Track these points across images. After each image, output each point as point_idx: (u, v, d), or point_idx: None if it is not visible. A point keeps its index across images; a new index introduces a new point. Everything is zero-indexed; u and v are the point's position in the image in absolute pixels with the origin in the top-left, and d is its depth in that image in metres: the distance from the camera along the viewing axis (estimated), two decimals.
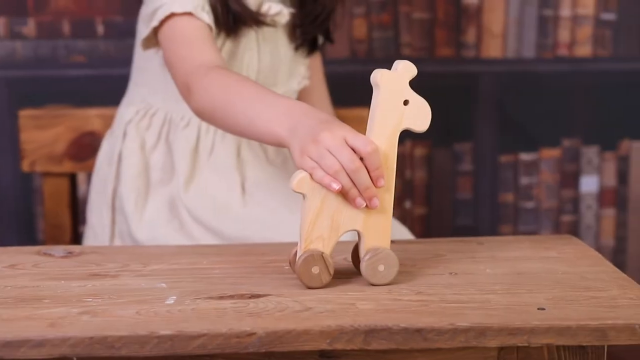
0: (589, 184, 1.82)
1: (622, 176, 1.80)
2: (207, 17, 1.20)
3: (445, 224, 1.80)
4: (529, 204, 1.82)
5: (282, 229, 1.22)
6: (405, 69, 0.92)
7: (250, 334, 0.82)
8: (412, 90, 0.92)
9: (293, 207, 1.25)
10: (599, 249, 1.84)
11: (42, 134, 1.43)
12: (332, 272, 0.93)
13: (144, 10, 1.24)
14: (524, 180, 1.81)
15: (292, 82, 1.35)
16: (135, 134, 1.31)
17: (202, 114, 1.14)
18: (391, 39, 1.75)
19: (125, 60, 1.53)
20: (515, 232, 1.80)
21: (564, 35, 1.78)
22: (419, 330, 0.83)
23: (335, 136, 0.92)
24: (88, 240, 1.35)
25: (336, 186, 0.91)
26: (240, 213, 1.26)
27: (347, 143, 0.92)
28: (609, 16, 1.78)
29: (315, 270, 0.92)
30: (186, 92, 1.15)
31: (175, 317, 0.85)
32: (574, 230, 1.83)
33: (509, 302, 0.88)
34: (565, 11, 1.77)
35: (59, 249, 1.06)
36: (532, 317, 0.84)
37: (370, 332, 0.83)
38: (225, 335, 0.82)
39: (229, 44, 1.27)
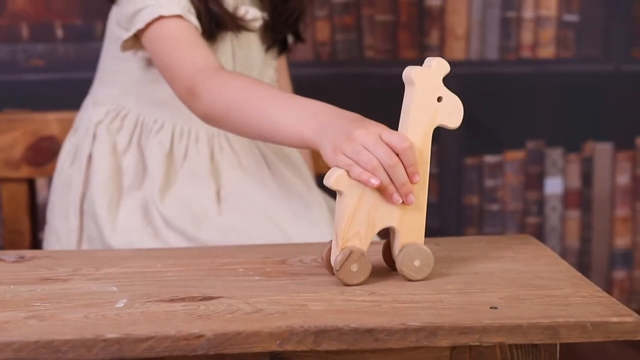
0: (553, 185, 1.82)
1: (587, 178, 1.81)
2: (194, 20, 1.18)
3: None
4: (494, 206, 1.82)
5: (261, 237, 1.22)
6: (439, 66, 0.92)
7: (199, 336, 0.81)
8: (445, 87, 0.93)
9: (272, 215, 1.24)
10: (564, 250, 1.84)
11: (2, 138, 1.41)
12: (369, 268, 0.92)
13: (121, 11, 1.21)
14: (489, 183, 1.81)
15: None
16: (106, 136, 1.27)
17: (212, 117, 1.10)
18: (354, 41, 1.75)
19: (86, 64, 1.51)
20: (480, 234, 1.80)
21: (527, 37, 1.78)
22: (369, 331, 0.82)
23: (370, 133, 0.92)
24: (49, 244, 1.32)
25: (375, 182, 0.91)
26: (217, 221, 1.24)
27: (382, 140, 0.92)
28: (572, 17, 1.78)
29: (354, 268, 0.92)
30: (189, 95, 1.12)
31: (124, 321, 0.84)
32: (539, 232, 1.83)
33: (461, 302, 0.88)
34: (527, 13, 1.78)
35: (11, 254, 1.05)
36: (484, 316, 0.84)
37: (321, 333, 0.82)
38: (173, 338, 0.81)
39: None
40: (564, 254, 1.83)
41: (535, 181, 1.82)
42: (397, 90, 1.73)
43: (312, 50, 1.74)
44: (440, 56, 1.76)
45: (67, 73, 1.69)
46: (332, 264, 0.93)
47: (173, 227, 1.23)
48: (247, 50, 1.30)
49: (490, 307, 0.86)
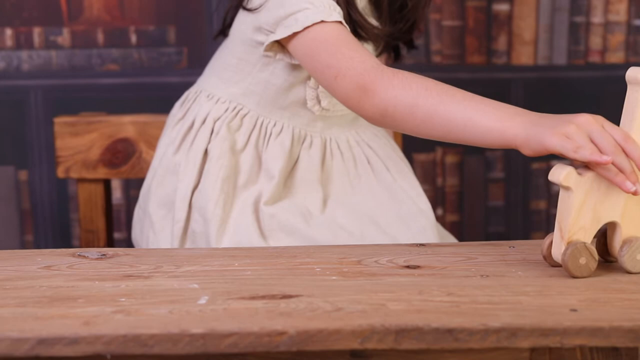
0: None
1: None
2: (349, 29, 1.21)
3: (478, 231, 1.79)
4: None
5: (370, 241, 1.24)
6: None
7: (282, 333, 0.83)
8: None
9: (379, 220, 1.26)
10: None
11: (77, 140, 1.44)
12: (596, 262, 0.95)
13: (264, 16, 1.22)
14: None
15: None
16: (227, 134, 1.28)
17: (388, 114, 1.10)
18: (422, 46, 1.76)
19: (158, 69, 1.54)
20: None
21: (595, 41, 1.77)
22: (450, 331, 0.83)
23: (596, 120, 0.96)
24: (141, 227, 1.33)
25: (607, 158, 0.93)
26: (326, 220, 1.26)
27: (605, 129, 0.95)
28: None
29: (582, 261, 0.95)
30: (360, 92, 1.12)
31: (207, 316, 0.85)
32: None
33: (540, 304, 0.88)
34: (596, 18, 1.77)
35: (93, 251, 1.07)
36: (564, 318, 0.84)
37: (401, 332, 0.83)
38: (256, 334, 0.82)
39: None
40: None
41: None
42: None
43: None
44: (508, 61, 1.77)
45: (140, 77, 1.72)
46: (556, 257, 0.97)
47: (283, 227, 1.25)
48: None
49: (570, 310, 0.86)
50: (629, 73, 0.96)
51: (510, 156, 1.79)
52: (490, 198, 1.80)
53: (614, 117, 0.97)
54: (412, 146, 1.75)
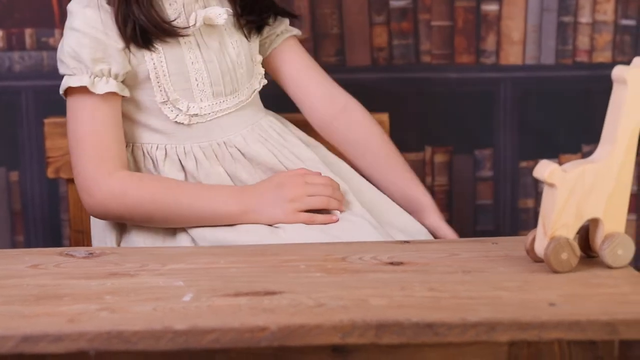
0: None
1: None
2: (106, 85, 1.22)
3: (466, 229, 1.80)
4: None
5: None
6: None
7: (263, 329, 0.84)
8: None
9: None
10: None
11: (67, 141, 1.45)
12: (578, 257, 0.97)
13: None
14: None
15: (253, 81, 1.33)
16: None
17: (109, 213, 1.24)
18: (411, 46, 1.77)
19: None
20: None
21: (583, 41, 1.78)
22: (430, 325, 0.84)
23: (299, 180, 1.23)
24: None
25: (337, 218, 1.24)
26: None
27: (308, 182, 1.22)
28: (629, 22, 1.78)
29: (564, 256, 0.96)
30: (82, 191, 1.24)
31: (191, 313, 0.87)
32: None
33: (520, 299, 0.89)
34: (584, 18, 1.78)
35: (80, 250, 1.08)
36: (542, 312, 0.85)
37: (382, 327, 0.84)
38: (238, 330, 0.84)
39: (172, 61, 1.25)
40: None
41: None
42: (453, 95, 1.74)
43: (369, 55, 1.76)
44: (496, 61, 1.78)
45: None
46: (539, 252, 0.98)
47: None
48: (220, 49, 1.28)
49: (549, 304, 0.87)
50: (615, 72, 0.97)
51: (499, 155, 1.80)
52: (479, 197, 1.81)
53: (601, 116, 0.99)
54: (401, 146, 1.76)
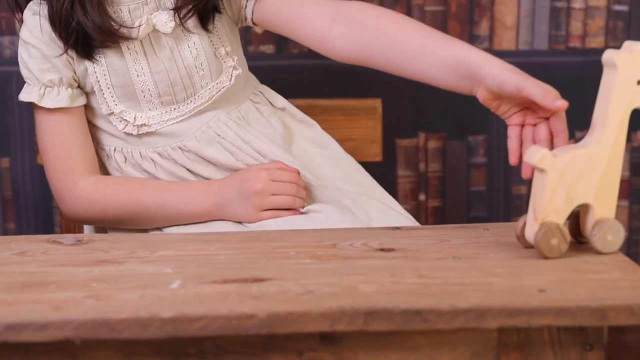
0: None
1: (635, 167, 1.80)
2: (57, 97, 1.21)
3: (459, 215, 1.80)
4: None
5: None
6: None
7: (251, 316, 0.83)
8: None
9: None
10: None
11: None
12: (568, 241, 0.96)
13: None
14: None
15: (222, 78, 1.26)
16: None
17: (81, 218, 1.26)
18: None
19: None
20: None
21: (576, 27, 1.77)
22: (418, 312, 0.83)
23: (263, 177, 1.20)
24: None
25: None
26: None
27: (273, 180, 1.20)
28: (621, 7, 1.77)
29: (554, 242, 0.96)
30: (56, 196, 1.25)
31: (178, 301, 0.86)
32: None
33: (510, 285, 0.88)
34: (577, 3, 1.77)
35: (68, 237, 1.07)
36: (532, 298, 0.84)
37: (371, 314, 0.83)
38: (226, 317, 0.83)
39: (116, 73, 1.22)
40: None
41: None
42: None
43: None
44: (490, 46, 1.77)
45: None
46: (529, 238, 0.97)
47: None
48: (169, 54, 1.23)
49: (539, 290, 0.86)
50: (605, 55, 0.97)
51: (492, 141, 1.80)
52: (472, 183, 1.81)
53: (594, 100, 0.98)
54: (395, 132, 1.75)
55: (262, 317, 0.83)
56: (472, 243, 1.02)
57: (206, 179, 1.25)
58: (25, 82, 1.25)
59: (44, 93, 1.22)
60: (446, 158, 1.80)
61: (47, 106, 1.21)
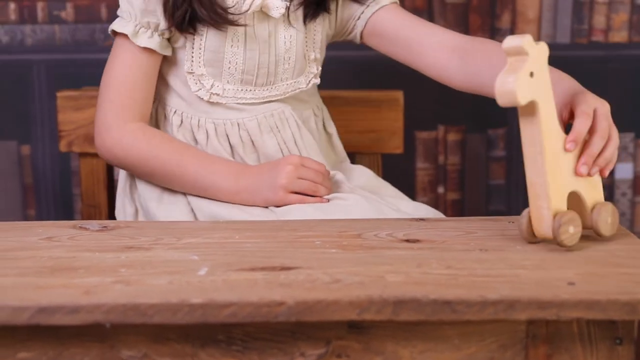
0: (623, 171, 1.80)
1: None
2: (149, 39, 1.22)
3: (478, 209, 1.80)
4: None
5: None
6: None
7: (281, 304, 0.83)
8: None
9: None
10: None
11: (79, 115, 1.45)
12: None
13: None
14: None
15: (301, 79, 1.30)
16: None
17: (119, 159, 1.24)
18: None
19: None
20: None
21: (599, 20, 1.77)
22: (447, 302, 0.83)
23: (296, 163, 1.21)
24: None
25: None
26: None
27: (304, 165, 1.21)
28: None
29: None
30: (97, 132, 1.24)
31: (207, 287, 0.86)
32: None
33: (538, 277, 0.88)
34: None
35: (94, 223, 1.08)
36: (561, 291, 0.84)
37: (399, 303, 0.83)
38: (255, 305, 0.83)
39: (212, 39, 1.24)
40: None
41: None
42: None
43: None
44: None
45: None
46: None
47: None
48: (266, 42, 1.25)
49: (568, 283, 0.86)
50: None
51: (512, 135, 1.79)
52: (492, 176, 1.81)
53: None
54: (414, 124, 1.75)
55: (291, 305, 0.83)
56: (497, 235, 1.02)
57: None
58: (117, 16, 1.25)
59: (138, 31, 1.22)
60: (465, 151, 1.80)
61: (138, 44, 1.22)
